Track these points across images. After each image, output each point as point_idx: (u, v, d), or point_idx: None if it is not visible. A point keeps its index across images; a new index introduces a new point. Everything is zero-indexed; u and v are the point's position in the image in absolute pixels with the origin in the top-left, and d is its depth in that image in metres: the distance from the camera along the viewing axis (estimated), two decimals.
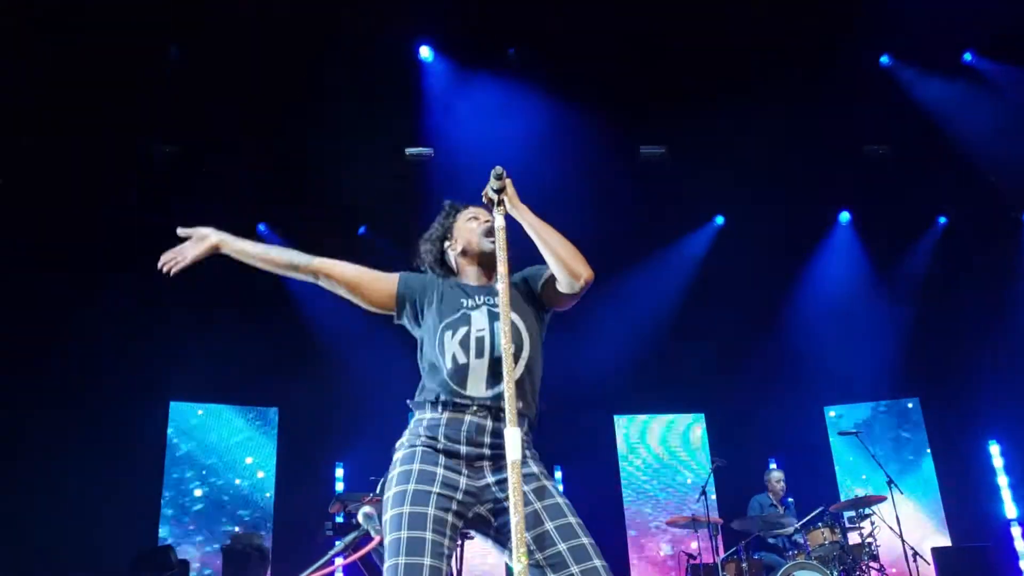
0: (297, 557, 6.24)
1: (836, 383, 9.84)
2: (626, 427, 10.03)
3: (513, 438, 2.24)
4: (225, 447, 9.08)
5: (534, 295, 2.81)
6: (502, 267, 2.53)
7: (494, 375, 2.59)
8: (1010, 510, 9.71)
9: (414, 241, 3.00)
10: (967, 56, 9.13)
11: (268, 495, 9.05)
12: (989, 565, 7.96)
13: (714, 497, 8.85)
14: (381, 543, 2.57)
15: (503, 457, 2.39)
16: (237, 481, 9.03)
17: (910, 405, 10.06)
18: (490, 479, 2.56)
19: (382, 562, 2.45)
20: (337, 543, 3.53)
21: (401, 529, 2.42)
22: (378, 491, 4.10)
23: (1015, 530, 9.61)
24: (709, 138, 8.76)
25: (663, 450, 10.01)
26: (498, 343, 2.56)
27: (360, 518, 3.01)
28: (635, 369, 9.49)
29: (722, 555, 7.38)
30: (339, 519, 6.87)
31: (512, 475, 2.22)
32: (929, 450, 9.86)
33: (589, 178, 8.73)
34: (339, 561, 3.62)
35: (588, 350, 8.71)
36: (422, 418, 2.64)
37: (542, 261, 2.73)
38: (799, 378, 9.54)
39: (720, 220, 10.23)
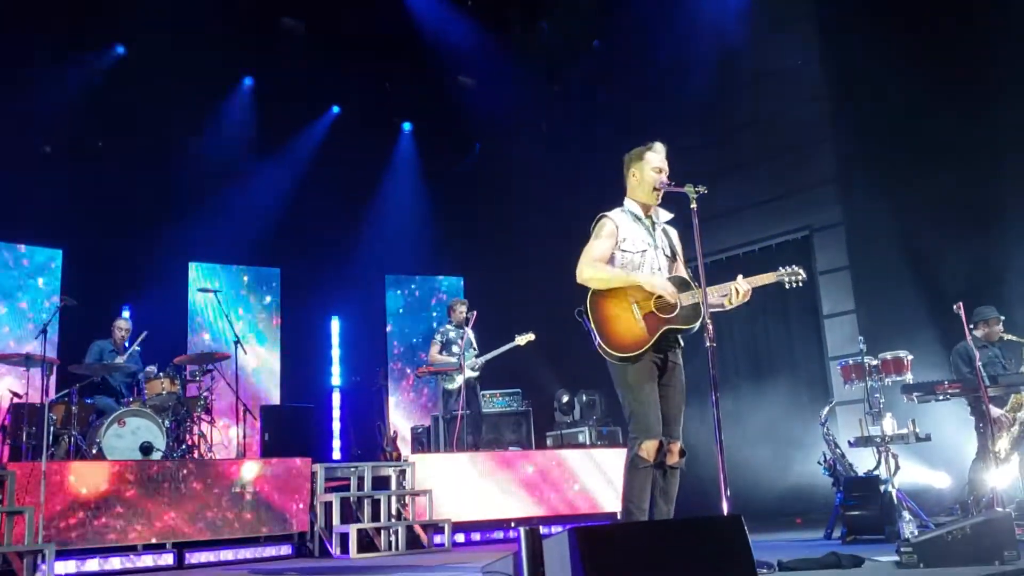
0: None
1: (203, 241, 9.81)
2: None
3: None
4: None
5: None
6: None
7: None
8: (336, 378, 11.02)
9: None
10: None
11: None
12: (308, 422, 8.81)
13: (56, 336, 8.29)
14: None
15: None
16: None
17: (273, 281, 10.60)
18: None
19: None
20: None
21: None
22: None
23: (335, 395, 10.94)
24: None
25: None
26: None
27: None
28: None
29: (52, 396, 6.97)
30: None
31: None
32: (282, 317, 10.54)
33: None
34: None
35: None
36: None
37: None
38: (169, 229, 9.30)
39: (121, 49, 9.48)
